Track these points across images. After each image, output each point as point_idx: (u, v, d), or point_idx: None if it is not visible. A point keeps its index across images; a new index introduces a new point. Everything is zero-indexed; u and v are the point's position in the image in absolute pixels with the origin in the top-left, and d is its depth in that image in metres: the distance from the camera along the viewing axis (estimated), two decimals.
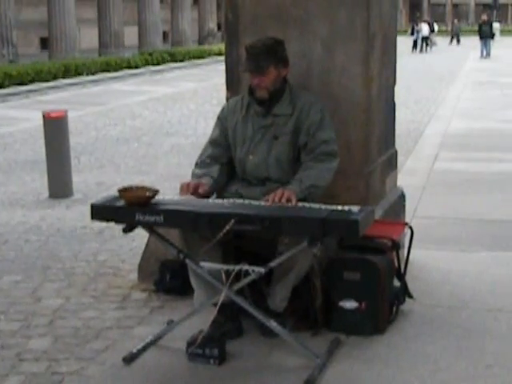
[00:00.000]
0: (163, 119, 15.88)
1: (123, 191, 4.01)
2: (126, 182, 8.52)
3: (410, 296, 4.73)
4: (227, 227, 3.75)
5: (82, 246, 6.52)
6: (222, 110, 4.61)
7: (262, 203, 4.01)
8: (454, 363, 4.01)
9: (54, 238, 6.81)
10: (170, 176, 9.61)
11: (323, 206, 3.89)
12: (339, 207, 3.86)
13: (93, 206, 4.09)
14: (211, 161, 4.47)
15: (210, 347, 4.01)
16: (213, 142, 4.54)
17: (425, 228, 6.65)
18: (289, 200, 3.98)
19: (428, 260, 5.71)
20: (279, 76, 4.36)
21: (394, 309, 4.52)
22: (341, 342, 4.22)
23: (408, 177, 9.02)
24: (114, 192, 4.23)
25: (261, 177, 4.37)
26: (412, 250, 5.65)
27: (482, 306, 4.82)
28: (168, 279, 5.12)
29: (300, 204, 3.97)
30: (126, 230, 4.05)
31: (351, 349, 4.18)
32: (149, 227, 4.08)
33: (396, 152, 5.77)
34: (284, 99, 4.38)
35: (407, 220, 6.66)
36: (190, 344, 4.06)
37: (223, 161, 4.49)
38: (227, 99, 4.95)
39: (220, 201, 4.13)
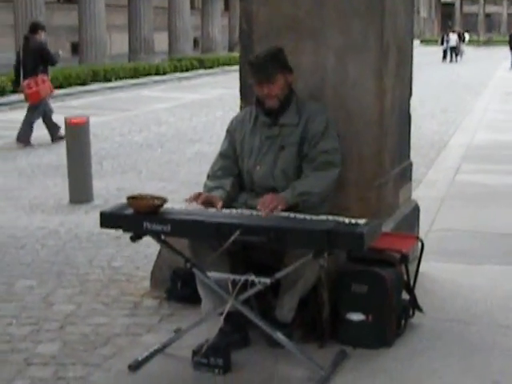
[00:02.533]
0: (188, 126, 15.95)
1: (132, 199, 4.04)
2: (147, 189, 8.66)
3: (420, 309, 4.70)
4: (232, 238, 3.76)
5: (98, 252, 6.57)
6: (231, 122, 4.64)
7: (259, 213, 4.03)
8: (460, 379, 3.99)
9: (70, 244, 6.87)
10: (191, 183, 9.62)
11: (330, 218, 3.90)
12: (346, 220, 3.86)
13: (102, 214, 4.13)
14: (223, 173, 4.50)
15: (215, 357, 4.01)
16: (222, 155, 4.58)
17: (440, 240, 6.63)
18: (275, 207, 4.01)
19: (441, 273, 5.67)
20: (286, 83, 4.37)
21: (403, 322, 4.50)
22: (347, 355, 4.21)
23: (428, 188, 9.02)
24: None
25: (268, 187, 4.38)
26: (425, 263, 5.63)
27: (493, 321, 4.78)
28: (179, 287, 5.14)
29: (301, 215, 3.98)
30: (133, 239, 4.08)
31: (357, 361, 4.17)
32: (157, 236, 4.10)
33: (411, 164, 5.76)
34: (291, 109, 4.40)
35: (423, 232, 6.67)
36: (195, 353, 4.07)
37: (235, 172, 4.52)
38: (241, 108, 4.98)
39: (227, 211, 4.14)
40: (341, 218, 3.88)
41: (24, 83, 13.21)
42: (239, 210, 4.16)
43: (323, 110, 4.47)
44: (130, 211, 4.04)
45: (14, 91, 14.37)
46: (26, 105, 13.83)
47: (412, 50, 5.52)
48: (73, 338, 4.63)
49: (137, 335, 4.67)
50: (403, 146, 5.47)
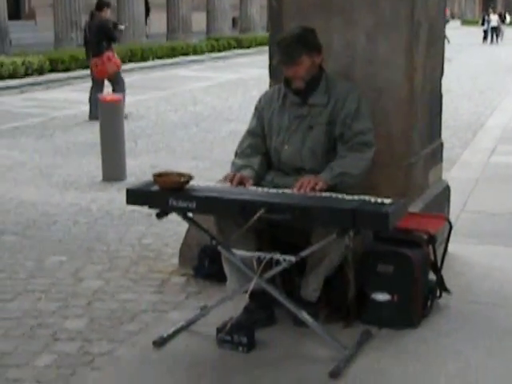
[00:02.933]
0: (224, 105, 15.94)
1: (157, 176, 4.04)
2: (180, 167, 8.67)
3: (447, 291, 4.67)
4: (257, 215, 3.75)
5: (129, 229, 6.61)
6: (260, 100, 4.61)
7: (293, 191, 4.00)
8: (485, 362, 3.95)
9: (102, 221, 6.92)
10: (225, 162, 9.48)
11: (356, 197, 3.87)
12: (372, 199, 3.83)
13: (128, 191, 4.15)
14: (252, 151, 4.48)
15: (239, 334, 4.02)
16: (251, 133, 4.55)
17: (473, 222, 6.58)
18: (314, 187, 3.97)
19: (472, 254, 5.62)
20: (313, 64, 4.32)
21: (429, 303, 4.47)
22: (371, 335, 4.19)
23: (462, 169, 8.94)
24: None
25: (295, 166, 4.36)
26: (456, 244, 5.60)
27: None
28: (207, 265, 5.16)
29: (330, 194, 3.95)
30: (159, 215, 4.10)
31: (381, 342, 4.15)
32: (182, 213, 4.11)
33: (442, 144, 5.70)
34: (320, 89, 4.35)
35: (456, 213, 6.61)
36: (219, 330, 4.08)
37: (263, 151, 4.49)
38: (271, 86, 4.95)
39: (254, 189, 4.13)
40: (367, 198, 3.85)
41: (92, 61, 13.47)
42: (265, 189, 4.15)
43: (355, 89, 4.42)
44: (155, 188, 4.04)
45: (87, 66, 14.60)
46: (62, 84, 13.94)
47: (443, 29, 5.44)
48: (100, 314, 4.68)
49: (163, 312, 4.70)
50: (434, 126, 5.41)
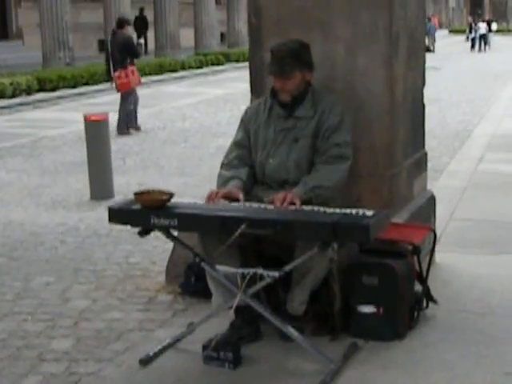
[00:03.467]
0: (213, 120, 15.95)
1: (139, 195, 4.04)
2: (168, 184, 8.67)
3: (434, 301, 4.66)
4: (238, 231, 3.74)
5: (116, 248, 6.59)
6: (246, 112, 4.61)
7: (269, 207, 4.00)
8: (472, 371, 3.94)
9: (89, 240, 6.90)
10: (213, 178, 9.44)
11: (338, 210, 3.87)
12: (354, 211, 3.83)
13: (110, 210, 4.14)
14: (239, 162, 4.46)
15: (225, 351, 4.01)
16: (238, 144, 4.53)
17: (460, 231, 6.58)
18: (292, 203, 3.96)
19: (459, 263, 5.63)
20: (303, 80, 4.34)
21: (416, 314, 4.46)
22: (358, 347, 4.18)
23: (450, 178, 8.95)
24: None
25: (279, 180, 4.35)
26: (444, 254, 5.62)
27: (509, 312, 4.72)
28: (193, 282, 5.14)
29: (311, 207, 3.95)
30: (141, 233, 4.09)
31: (368, 354, 4.14)
32: (165, 231, 4.10)
33: (426, 154, 5.70)
34: (306, 102, 4.36)
35: (444, 222, 6.62)
36: (205, 347, 4.07)
37: (250, 162, 4.48)
38: (251, 102, 4.95)
39: (236, 204, 4.12)
40: (348, 210, 3.85)
41: (115, 74, 13.89)
42: (247, 203, 4.14)
43: (339, 102, 4.43)
44: (137, 206, 4.04)
45: (107, 80, 15.41)
46: (50, 104, 14.01)
47: (424, 40, 5.45)
48: (86, 334, 4.66)
49: (149, 330, 4.68)
50: (417, 136, 5.41)
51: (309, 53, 4.38)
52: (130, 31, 14.56)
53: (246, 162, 4.48)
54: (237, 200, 4.16)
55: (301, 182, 4.18)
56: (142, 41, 15.05)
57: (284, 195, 4.01)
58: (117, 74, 13.85)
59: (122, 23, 14.30)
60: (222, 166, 4.52)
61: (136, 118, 14.41)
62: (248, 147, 4.50)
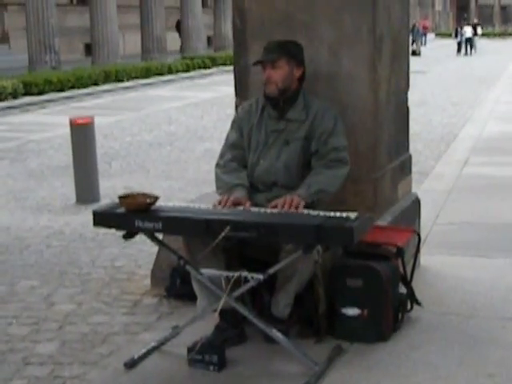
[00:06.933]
0: (199, 124, 15.95)
1: (123, 198, 4.04)
2: (154, 187, 8.67)
3: (418, 303, 4.68)
4: (222, 234, 3.75)
5: (102, 252, 6.58)
6: (238, 112, 4.61)
7: (268, 211, 4.01)
8: (455, 372, 3.96)
9: (75, 244, 6.89)
10: (199, 181, 9.64)
11: (321, 213, 3.88)
12: (337, 214, 3.84)
13: (94, 213, 4.14)
14: (238, 164, 4.45)
15: (210, 353, 4.01)
16: (233, 145, 4.50)
17: (444, 233, 6.61)
18: (296, 207, 3.98)
19: (444, 266, 5.65)
20: (291, 74, 4.34)
21: (400, 316, 4.48)
22: (342, 350, 4.19)
23: (435, 181, 8.99)
24: None
25: (268, 182, 4.36)
26: (429, 256, 5.64)
27: (492, 313, 4.74)
28: (178, 285, 5.14)
29: (304, 210, 3.96)
30: (126, 237, 4.09)
31: (353, 356, 4.15)
32: (149, 234, 4.10)
33: (410, 157, 5.72)
34: (298, 104, 4.37)
35: (429, 225, 6.65)
36: (190, 350, 4.07)
37: (246, 163, 4.48)
38: (236, 106, 4.97)
39: (220, 207, 4.12)
40: (332, 213, 3.86)
41: None
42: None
43: (332, 108, 4.45)
44: (121, 210, 4.04)
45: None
46: (37, 108, 13.93)
47: (408, 43, 5.48)
48: (71, 338, 4.66)
49: (135, 333, 4.68)
50: (401, 139, 5.43)
51: (299, 49, 4.41)
52: None
53: (244, 163, 4.47)
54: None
55: (303, 185, 4.19)
56: None
57: (290, 200, 4.02)
58: None
59: None
60: (218, 166, 4.49)
61: None
62: (243, 148, 4.49)
